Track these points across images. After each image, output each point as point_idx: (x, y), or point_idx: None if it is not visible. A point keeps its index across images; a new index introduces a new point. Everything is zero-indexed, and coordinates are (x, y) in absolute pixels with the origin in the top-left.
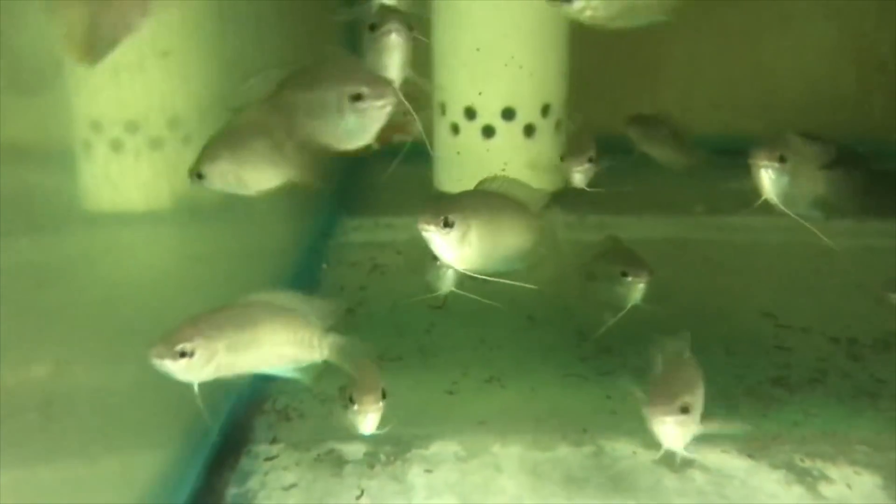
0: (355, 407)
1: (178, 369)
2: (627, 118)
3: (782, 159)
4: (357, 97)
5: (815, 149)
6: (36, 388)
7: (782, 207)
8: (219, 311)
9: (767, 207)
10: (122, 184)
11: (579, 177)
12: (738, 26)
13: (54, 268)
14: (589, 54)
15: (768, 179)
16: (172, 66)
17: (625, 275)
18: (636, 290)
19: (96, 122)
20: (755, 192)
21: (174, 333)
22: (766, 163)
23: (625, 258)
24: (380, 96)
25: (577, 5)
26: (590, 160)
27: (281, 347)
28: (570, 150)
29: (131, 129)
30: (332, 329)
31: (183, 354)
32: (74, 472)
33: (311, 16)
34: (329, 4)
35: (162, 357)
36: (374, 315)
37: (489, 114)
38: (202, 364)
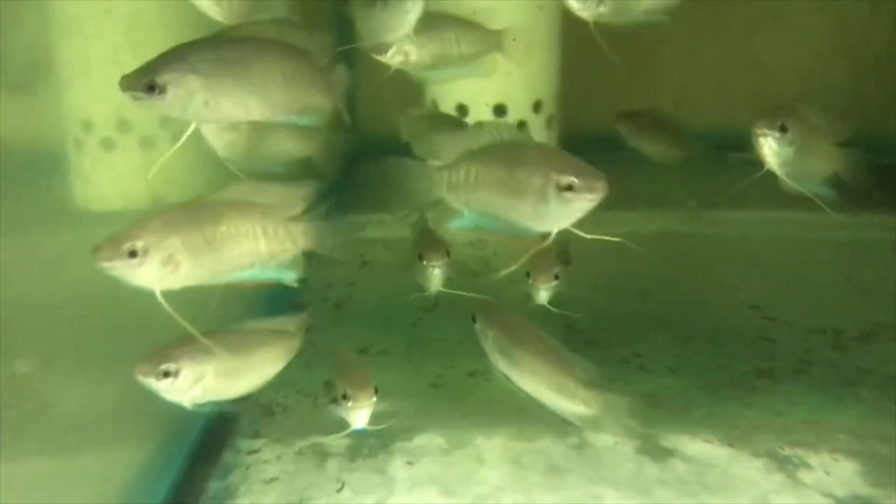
0: (349, 403)
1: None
2: (617, 114)
3: (783, 128)
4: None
5: (828, 122)
6: (18, 384)
7: (786, 179)
8: (181, 209)
9: (758, 200)
10: (114, 182)
11: (544, 294)
12: (731, 21)
13: (43, 263)
14: (581, 50)
15: (768, 148)
16: None
17: (421, 259)
18: (434, 275)
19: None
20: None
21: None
22: (765, 131)
23: (428, 244)
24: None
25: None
26: (555, 277)
27: (252, 243)
28: (536, 267)
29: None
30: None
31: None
32: (53, 466)
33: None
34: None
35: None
36: (362, 310)
37: (481, 110)
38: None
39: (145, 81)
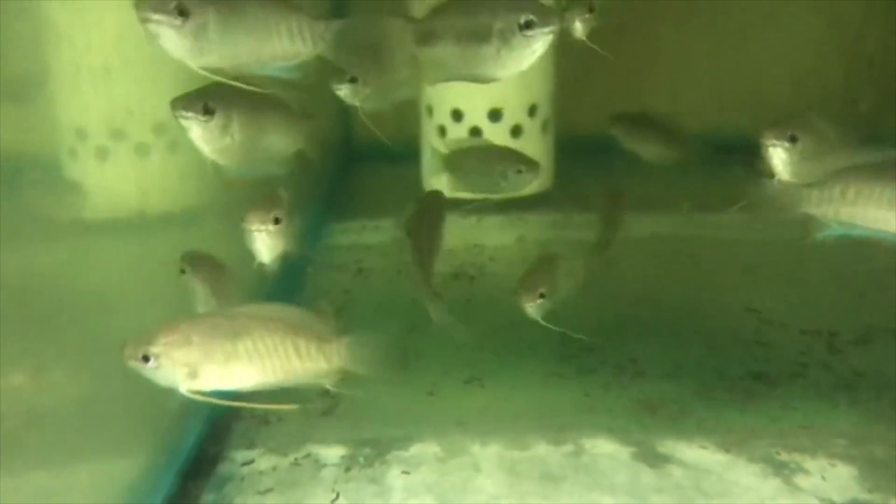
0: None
1: None
2: (611, 116)
3: (793, 139)
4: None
5: (839, 133)
6: (15, 396)
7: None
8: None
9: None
10: (112, 190)
11: (532, 310)
12: (726, 24)
13: (37, 275)
14: (576, 53)
15: (778, 159)
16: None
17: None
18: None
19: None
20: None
21: None
22: (774, 142)
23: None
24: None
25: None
26: (542, 296)
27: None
28: (525, 283)
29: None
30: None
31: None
32: (48, 479)
33: None
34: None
35: None
36: (358, 318)
37: (476, 115)
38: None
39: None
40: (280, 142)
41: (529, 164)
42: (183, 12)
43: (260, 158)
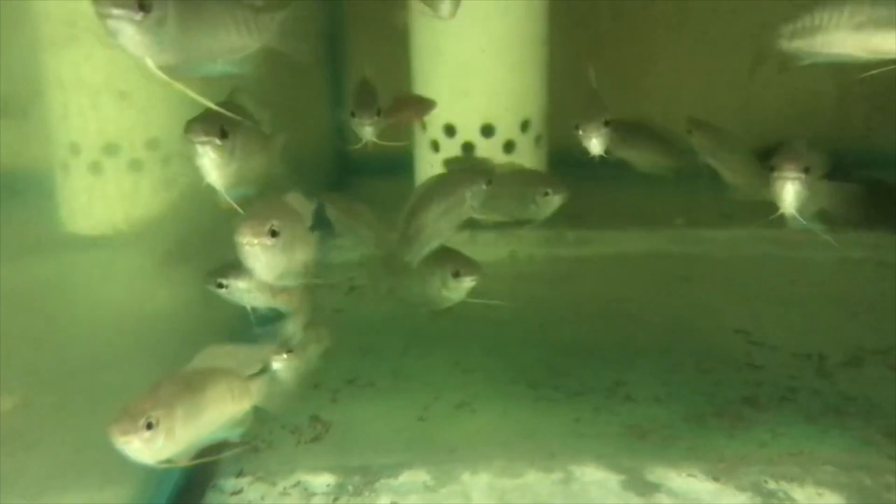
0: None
1: None
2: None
3: (807, 171)
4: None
5: (819, 157)
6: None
7: (800, 220)
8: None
9: (744, 219)
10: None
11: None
12: (719, 37)
13: (20, 296)
14: (569, 68)
15: (793, 192)
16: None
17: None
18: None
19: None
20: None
21: None
22: (793, 174)
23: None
24: None
25: None
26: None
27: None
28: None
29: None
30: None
31: None
32: None
33: None
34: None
35: None
36: (349, 339)
37: (469, 130)
38: None
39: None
40: (261, 163)
41: (557, 186)
42: (143, 6)
43: (247, 181)
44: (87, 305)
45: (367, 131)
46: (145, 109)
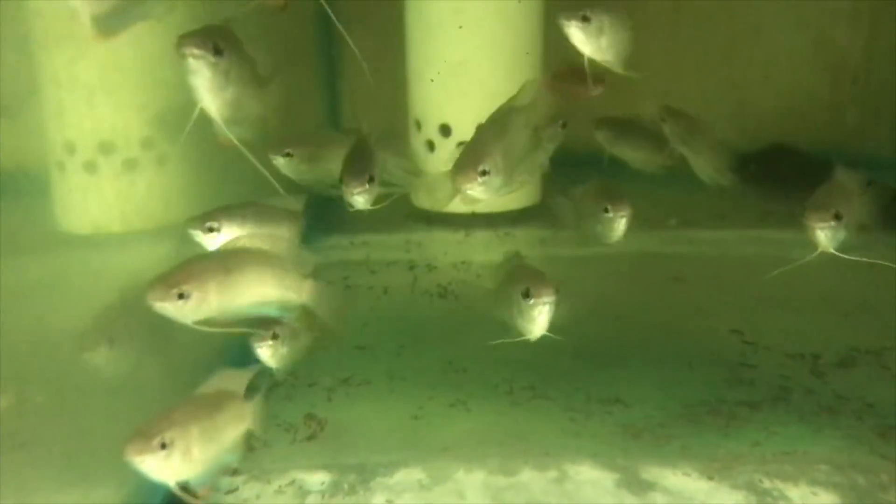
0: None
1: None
2: (596, 121)
3: (838, 217)
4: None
5: (854, 180)
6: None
7: (841, 255)
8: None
9: (737, 219)
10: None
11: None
12: (713, 39)
13: (14, 295)
14: (562, 66)
15: (826, 238)
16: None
17: (527, 296)
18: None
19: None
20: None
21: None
22: (823, 224)
23: (529, 277)
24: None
25: None
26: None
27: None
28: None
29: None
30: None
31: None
32: None
33: (289, 34)
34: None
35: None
36: (344, 338)
37: (464, 130)
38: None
39: None
40: (258, 103)
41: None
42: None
43: (243, 119)
44: (81, 304)
45: (358, 200)
46: (140, 108)
